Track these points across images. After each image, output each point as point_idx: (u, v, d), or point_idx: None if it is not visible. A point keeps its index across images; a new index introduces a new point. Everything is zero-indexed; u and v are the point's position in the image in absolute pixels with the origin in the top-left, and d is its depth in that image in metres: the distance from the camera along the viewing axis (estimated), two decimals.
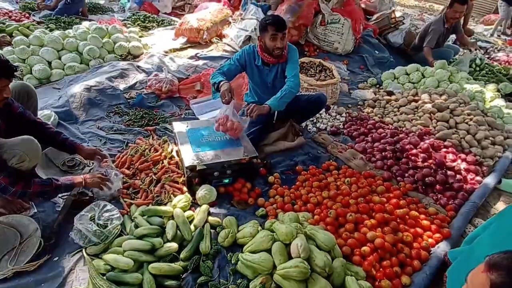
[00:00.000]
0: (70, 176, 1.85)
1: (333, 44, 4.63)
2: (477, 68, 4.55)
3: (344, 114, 3.29)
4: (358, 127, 3.08)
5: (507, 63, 5.16)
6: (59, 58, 3.47)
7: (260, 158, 2.50)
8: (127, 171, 2.18)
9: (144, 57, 3.86)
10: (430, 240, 1.89)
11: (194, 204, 2.04)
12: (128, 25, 4.86)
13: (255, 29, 4.23)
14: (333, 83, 3.36)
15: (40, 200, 1.86)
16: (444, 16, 4.32)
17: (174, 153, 2.37)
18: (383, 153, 2.63)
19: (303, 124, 3.05)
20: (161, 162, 2.26)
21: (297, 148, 2.70)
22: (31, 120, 1.89)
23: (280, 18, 2.37)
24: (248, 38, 4.26)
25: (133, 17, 5.31)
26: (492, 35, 7.49)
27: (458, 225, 2.00)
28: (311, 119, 3.10)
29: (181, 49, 4.28)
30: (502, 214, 1.47)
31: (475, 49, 4.57)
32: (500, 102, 3.50)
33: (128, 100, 2.98)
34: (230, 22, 4.93)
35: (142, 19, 5.26)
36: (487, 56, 5.61)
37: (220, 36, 4.73)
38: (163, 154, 2.31)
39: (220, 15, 4.77)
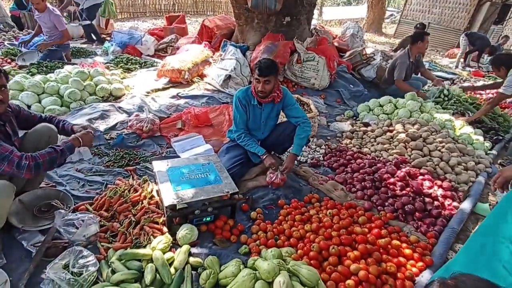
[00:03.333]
0: (66, 139, 1.96)
1: (310, 80, 4.87)
2: (446, 98, 4.83)
3: (323, 146, 3.38)
4: (338, 158, 3.15)
5: (472, 93, 5.52)
6: (39, 102, 3.47)
7: (242, 194, 2.51)
8: (105, 214, 2.12)
9: (125, 98, 3.91)
10: (413, 269, 1.89)
11: (174, 245, 1.98)
12: (111, 68, 4.98)
13: (234, 68, 4.42)
14: (311, 117, 3.47)
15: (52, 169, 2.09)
16: (408, 51, 4.66)
17: (154, 193, 2.34)
18: (362, 183, 2.68)
19: (284, 157, 3.10)
20: (140, 202, 2.22)
21: None
22: (31, 116, 2.15)
23: (267, 63, 2.37)
24: (228, 77, 4.42)
25: (116, 60, 5.44)
26: (456, 67, 8.08)
27: (439, 252, 2.02)
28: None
29: (163, 89, 4.37)
30: (473, 233, 1.52)
31: (441, 86, 4.87)
32: (469, 129, 3.70)
33: (109, 141, 2.97)
34: (210, 63, 5.13)
35: (125, 61, 5.40)
36: (454, 86, 5.98)
37: (201, 76, 4.89)
38: (142, 194, 2.28)
39: (201, 56, 4.97)
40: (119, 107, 3.51)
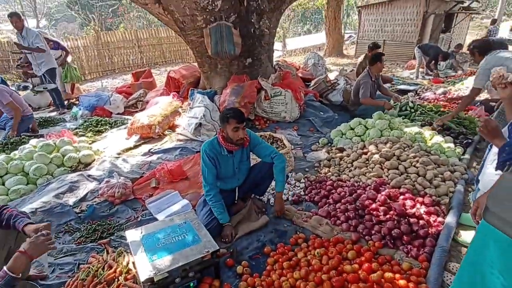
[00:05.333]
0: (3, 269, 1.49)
1: (280, 114, 4.95)
2: (412, 110, 5.00)
3: (302, 180, 3.34)
4: (319, 190, 3.11)
5: (435, 101, 5.76)
6: (3, 184, 3.30)
7: (225, 247, 2.39)
8: None
9: (95, 164, 3.79)
10: None
11: None
12: (79, 133, 4.88)
13: (204, 115, 4.44)
14: (285, 152, 3.48)
15: None
16: (368, 71, 4.89)
17: (131, 265, 2.18)
18: (346, 214, 2.62)
19: (265, 199, 3.03)
20: (116, 280, 2.06)
21: (262, 228, 2.63)
22: None
23: (237, 110, 2.45)
24: (199, 125, 4.43)
25: (85, 124, 5.35)
26: (417, 77, 8.50)
27: (434, 276, 1.95)
28: (271, 192, 3.09)
29: (135, 147, 4.30)
30: (462, 262, 1.46)
31: (399, 101, 5.08)
32: (439, 138, 3.79)
33: (79, 215, 2.81)
34: (180, 113, 5.15)
35: (95, 124, 5.32)
36: (417, 97, 6.26)
37: (172, 127, 4.87)
38: (118, 269, 2.12)
39: (170, 107, 4.99)
40: (89, 176, 3.38)
